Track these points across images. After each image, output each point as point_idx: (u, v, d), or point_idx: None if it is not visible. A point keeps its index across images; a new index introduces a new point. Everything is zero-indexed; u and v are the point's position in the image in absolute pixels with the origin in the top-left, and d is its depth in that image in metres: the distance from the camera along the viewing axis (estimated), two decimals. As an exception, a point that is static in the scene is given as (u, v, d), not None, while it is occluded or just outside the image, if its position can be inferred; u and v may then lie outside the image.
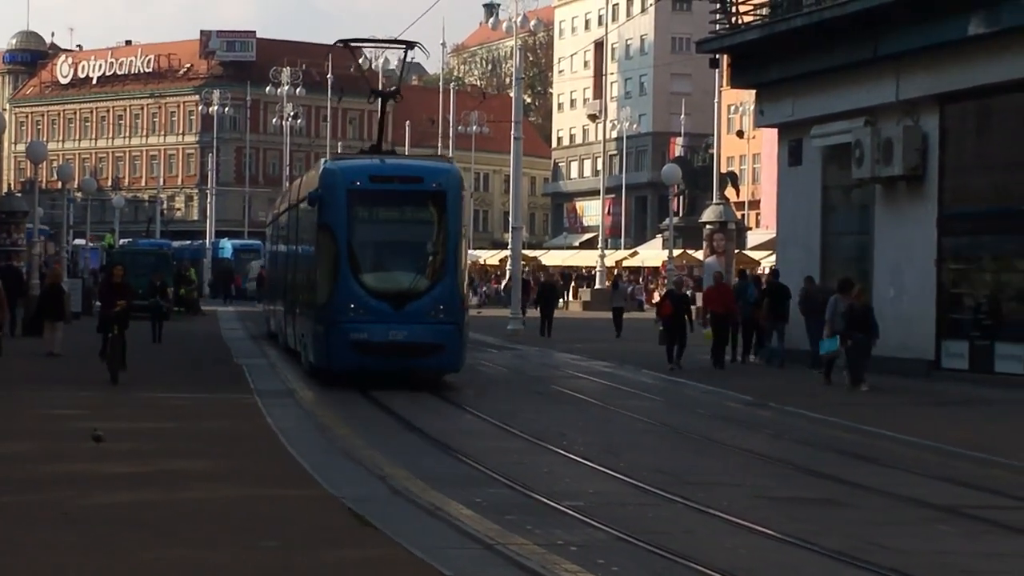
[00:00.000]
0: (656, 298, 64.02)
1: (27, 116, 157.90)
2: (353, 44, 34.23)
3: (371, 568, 12.45)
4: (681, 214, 64.22)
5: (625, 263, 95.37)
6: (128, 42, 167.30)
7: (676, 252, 59.60)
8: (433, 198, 28.26)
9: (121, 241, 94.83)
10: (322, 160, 33.16)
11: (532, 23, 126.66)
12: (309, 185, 31.95)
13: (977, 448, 21.80)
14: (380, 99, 34.80)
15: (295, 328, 34.41)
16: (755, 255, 69.29)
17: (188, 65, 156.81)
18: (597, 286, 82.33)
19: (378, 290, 27.30)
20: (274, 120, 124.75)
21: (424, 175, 29.60)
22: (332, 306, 27.31)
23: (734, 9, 45.82)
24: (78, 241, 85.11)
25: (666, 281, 51.02)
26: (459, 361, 28.63)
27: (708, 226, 54.87)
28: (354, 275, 27.36)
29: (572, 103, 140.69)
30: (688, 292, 41.46)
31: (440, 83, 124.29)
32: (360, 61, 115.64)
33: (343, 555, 13.01)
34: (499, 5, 50.02)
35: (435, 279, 27.80)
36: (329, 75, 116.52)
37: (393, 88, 32.89)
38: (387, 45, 35.49)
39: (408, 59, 33.59)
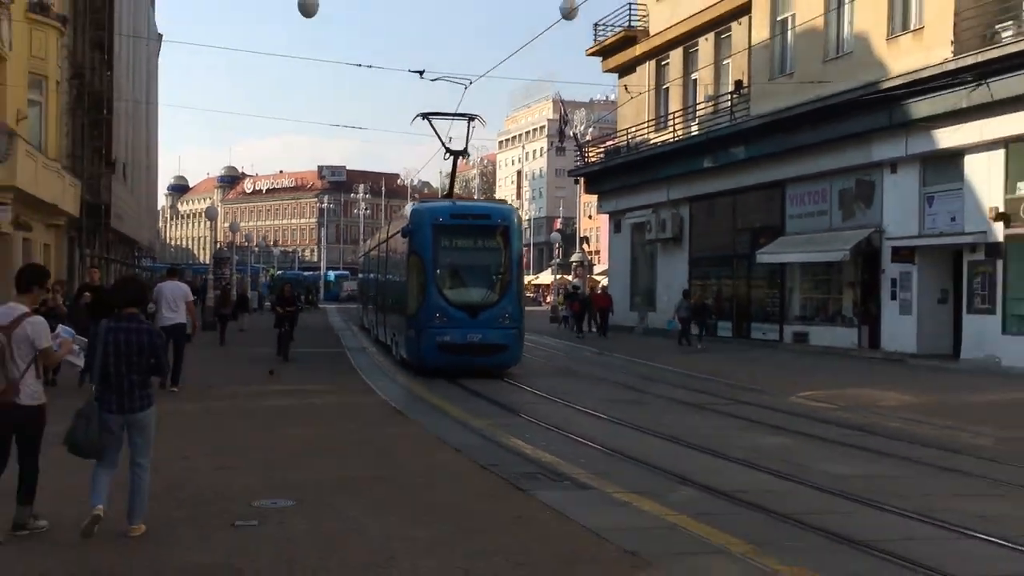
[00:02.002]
0: (549, 299, 64.70)
1: (230, 209, 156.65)
2: (430, 116, 25.13)
3: (405, 437, 12.55)
4: (560, 258, 64.32)
5: (532, 283, 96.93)
6: (280, 171, 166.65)
7: (558, 277, 59.61)
8: (499, 230, 21.36)
9: (277, 272, 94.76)
10: (410, 204, 24.84)
11: (484, 161, 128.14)
12: (400, 222, 24.73)
13: (709, 374, 21.94)
14: (452, 156, 25.81)
15: (386, 327, 26.96)
16: (598, 278, 69.30)
17: (311, 183, 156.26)
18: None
19: (458, 302, 20.64)
20: (355, 211, 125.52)
21: (491, 213, 22.40)
22: (422, 315, 20.45)
23: (587, 155, 46.25)
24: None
25: (566, 290, 50.07)
26: (519, 357, 21.72)
27: (574, 263, 55.16)
28: (439, 291, 20.59)
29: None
30: (581, 297, 40.95)
31: (439, 192, 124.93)
32: (403, 178, 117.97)
33: (392, 429, 13.15)
34: (467, 150, 49.07)
35: (501, 294, 20.96)
36: (383, 187, 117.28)
37: (463, 148, 25.64)
38: (456, 117, 25.47)
39: (471, 128, 25.30)
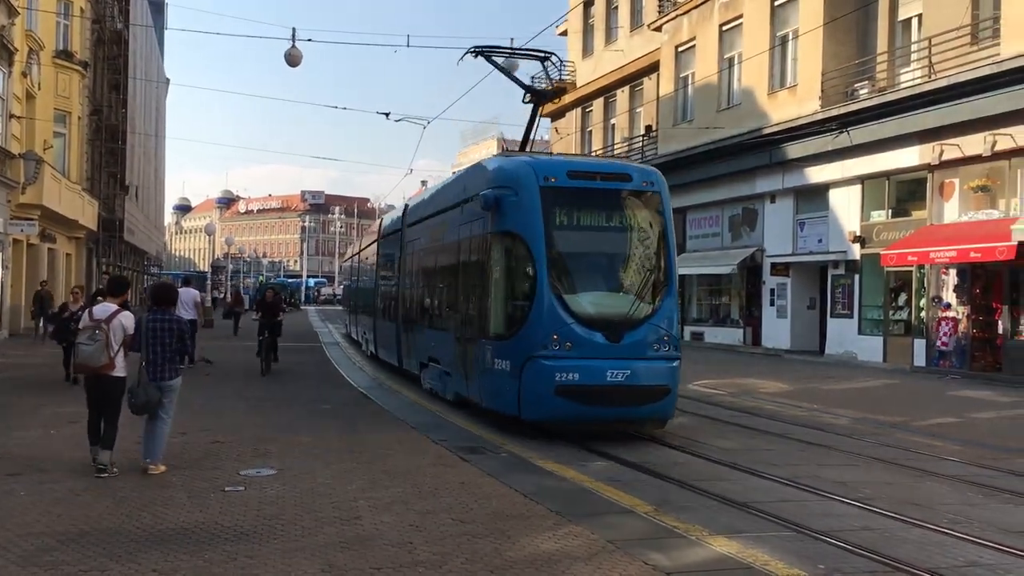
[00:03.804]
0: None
1: (227, 226, 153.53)
2: (487, 52, 14.16)
3: (373, 416, 12.40)
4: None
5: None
6: (269, 195, 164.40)
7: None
8: (646, 200, 11.30)
9: (263, 279, 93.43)
10: (489, 159, 13.13)
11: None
12: (461, 186, 13.20)
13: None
14: (534, 100, 14.31)
15: (414, 350, 15.77)
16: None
17: (295, 205, 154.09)
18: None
19: (591, 317, 10.58)
20: (331, 228, 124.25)
21: (632, 173, 11.56)
22: (528, 337, 10.53)
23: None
24: (248, 280, 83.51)
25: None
26: (675, 404, 11.34)
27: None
28: (557, 297, 10.52)
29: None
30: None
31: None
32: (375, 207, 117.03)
33: (359, 410, 12.98)
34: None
35: (655, 302, 10.89)
36: (355, 209, 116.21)
37: (551, 88, 14.67)
38: (522, 54, 14.88)
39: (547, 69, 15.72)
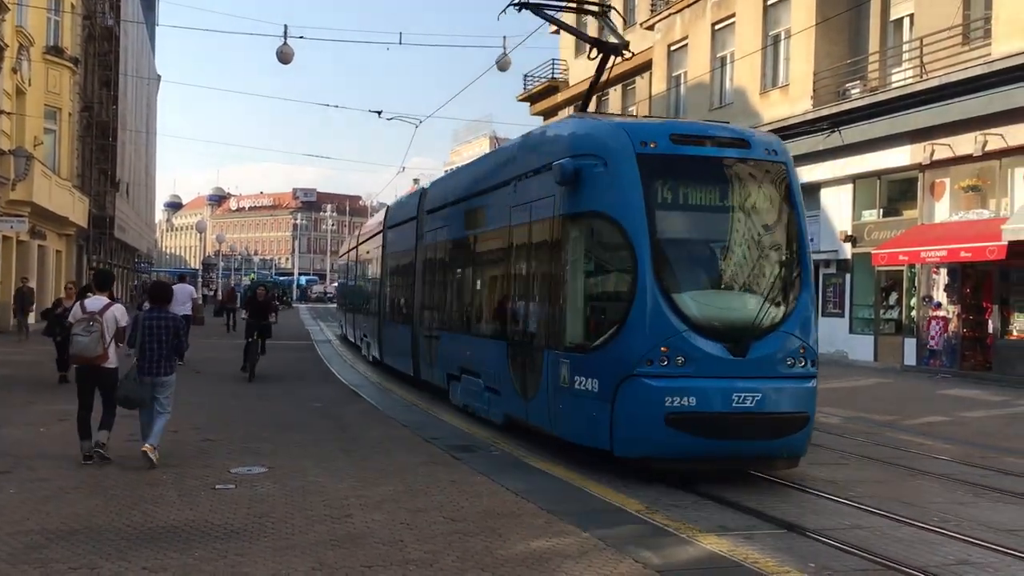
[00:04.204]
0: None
1: (218, 223, 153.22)
2: (534, 6, 11.43)
3: (365, 414, 12.39)
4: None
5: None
6: (261, 192, 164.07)
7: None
8: (770, 173, 8.46)
9: (255, 275, 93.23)
10: (558, 122, 10.81)
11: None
12: (503, 163, 11.15)
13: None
14: (602, 54, 11.33)
15: (441, 359, 13.40)
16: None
17: (287, 202, 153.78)
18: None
19: (710, 323, 7.84)
20: (323, 226, 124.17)
21: (749, 139, 8.63)
22: (624, 349, 7.81)
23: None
24: (244, 278, 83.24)
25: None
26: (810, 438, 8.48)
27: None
28: (665, 296, 7.75)
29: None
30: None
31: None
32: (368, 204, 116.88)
33: (350, 408, 12.96)
34: (419, 179, 46.04)
35: (790, 303, 8.14)
36: (347, 207, 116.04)
37: (622, 42, 11.05)
38: (576, 7, 12.85)
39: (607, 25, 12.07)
